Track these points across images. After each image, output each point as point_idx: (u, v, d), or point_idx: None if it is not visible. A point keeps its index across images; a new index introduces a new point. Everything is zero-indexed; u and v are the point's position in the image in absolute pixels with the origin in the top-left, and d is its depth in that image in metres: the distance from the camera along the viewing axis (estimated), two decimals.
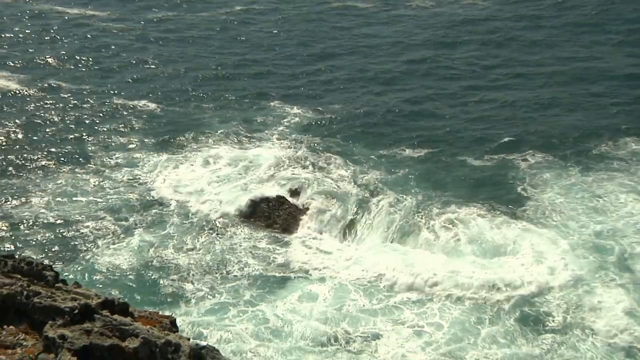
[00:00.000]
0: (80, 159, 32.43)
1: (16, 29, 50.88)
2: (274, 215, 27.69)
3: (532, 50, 45.44)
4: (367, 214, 27.58)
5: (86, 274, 24.20)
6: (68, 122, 36.39)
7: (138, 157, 32.69)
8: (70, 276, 23.18)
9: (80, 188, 29.96)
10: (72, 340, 6.88)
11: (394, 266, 24.21)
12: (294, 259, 25.29)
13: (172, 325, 8.25)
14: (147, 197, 29.30)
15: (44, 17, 53.60)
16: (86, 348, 6.85)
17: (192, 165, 31.73)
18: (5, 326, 7.10)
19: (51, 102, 38.68)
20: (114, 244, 26.20)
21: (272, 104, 38.18)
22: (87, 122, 36.47)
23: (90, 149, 33.40)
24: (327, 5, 56.41)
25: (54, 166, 31.80)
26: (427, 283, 23.24)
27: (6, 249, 25.20)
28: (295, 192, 28.92)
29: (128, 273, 24.50)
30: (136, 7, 56.66)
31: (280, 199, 28.29)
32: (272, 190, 28.96)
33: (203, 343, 7.55)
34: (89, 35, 49.67)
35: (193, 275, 24.41)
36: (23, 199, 28.95)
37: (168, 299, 23.14)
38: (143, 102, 38.57)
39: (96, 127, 35.79)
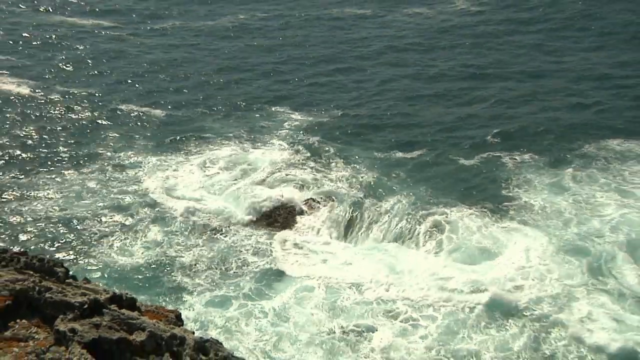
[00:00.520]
0: (86, 160, 32.40)
1: (29, 38, 50.80)
2: (274, 214, 27.71)
3: (519, 52, 45.70)
4: (363, 215, 27.53)
5: (94, 270, 24.19)
6: (75, 125, 36.36)
7: (142, 159, 32.65)
8: (79, 272, 23.15)
9: (86, 188, 29.95)
10: (82, 334, 6.88)
11: (384, 271, 23.95)
12: (293, 257, 25.28)
13: (177, 319, 8.25)
14: (151, 197, 29.26)
15: (56, 27, 53.49)
16: (95, 341, 6.85)
17: (194, 167, 31.71)
18: (18, 320, 7.10)
19: (60, 106, 38.64)
20: (119, 241, 26.18)
21: (274, 108, 38.20)
22: (93, 125, 36.44)
23: (95, 151, 33.36)
24: (327, 12, 56.58)
25: (61, 166, 31.78)
26: (418, 295, 22.73)
27: (17, 245, 25.16)
28: (295, 192, 28.93)
29: (134, 269, 24.49)
30: (144, 17, 56.64)
31: (281, 199, 28.30)
32: (273, 190, 28.98)
33: (207, 336, 7.56)
34: (98, 44, 49.60)
35: (195, 271, 24.41)
36: (32, 197, 28.96)
37: (172, 294, 23.14)
38: (148, 107, 38.52)
39: (102, 130, 35.77)
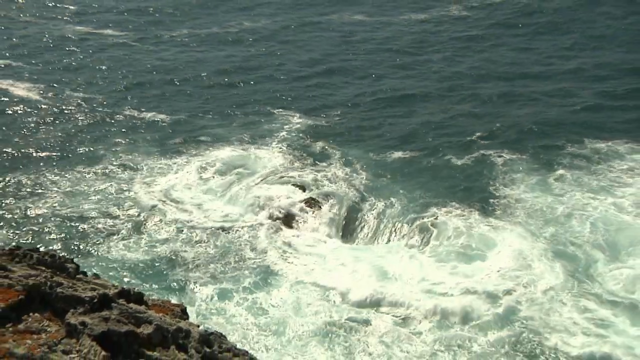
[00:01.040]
0: (91, 161, 32.41)
1: (39, 46, 50.70)
2: (274, 213, 27.71)
3: (508, 54, 46.07)
4: (360, 216, 27.51)
5: (102, 266, 24.21)
6: (81, 128, 36.36)
7: (145, 160, 32.62)
8: (88, 268, 23.16)
9: (91, 187, 29.98)
10: (92, 327, 6.91)
11: (376, 271, 23.69)
12: (292, 255, 25.30)
13: (183, 313, 8.28)
14: (153, 198, 29.25)
15: (64, 36, 53.29)
16: (104, 334, 6.88)
17: (196, 168, 31.69)
18: (31, 314, 7.13)
19: (67, 110, 38.62)
20: (125, 239, 26.20)
21: (275, 111, 38.17)
22: (99, 128, 36.42)
23: (100, 153, 33.30)
24: (327, 17, 56.63)
25: (68, 167, 31.78)
26: (406, 303, 22.18)
27: (27, 241, 25.18)
28: (295, 192, 28.95)
29: (140, 265, 24.53)
30: (152, 26, 56.49)
31: (280, 198, 28.31)
32: (273, 190, 29.00)
33: (211, 329, 7.60)
34: (105, 52, 49.44)
35: (197, 266, 24.45)
36: (40, 195, 29.03)
37: (176, 288, 23.18)
38: (152, 112, 38.37)
39: (108, 133, 35.73)
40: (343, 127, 35.63)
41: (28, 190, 29.63)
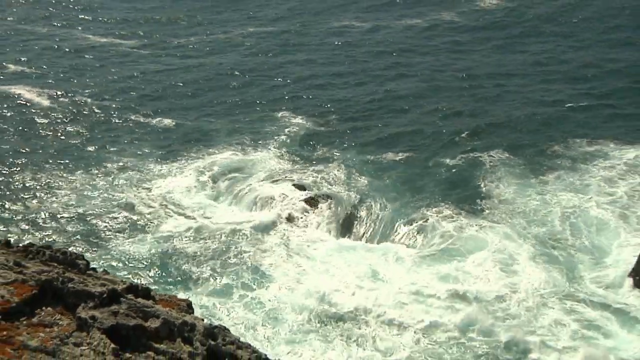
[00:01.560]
0: (99, 163, 32.40)
1: (50, 53, 50.60)
2: (274, 213, 27.70)
3: (495, 55, 46.20)
4: (356, 215, 27.46)
5: (110, 263, 24.22)
6: (89, 131, 36.37)
7: (148, 162, 32.59)
8: (96, 265, 23.16)
9: (97, 187, 29.99)
10: (102, 321, 6.94)
11: (369, 271, 23.53)
12: (290, 253, 25.29)
13: (189, 307, 8.31)
14: (155, 198, 29.23)
15: (75, 44, 53.13)
16: (114, 327, 6.92)
17: (197, 169, 31.61)
18: (43, 308, 7.16)
19: (76, 115, 38.56)
20: (131, 237, 26.23)
21: (276, 114, 38.11)
22: (106, 131, 36.42)
23: (107, 155, 33.32)
24: (328, 24, 56.66)
25: (74, 168, 31.81)
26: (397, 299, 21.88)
27: (39, 239, 25.17)
28: (294, 192, 28.95)
29: (146, 261, 24.55)
30: (160, 33, 56.35)
31: (281, 197, 28.32)
32: (274, 189, 29.01)
33: (216, 323, 7.62)
34: (114, 59, 49.33)
35: (200, 262, 24.47)
36: (50, 195, 29.08)
37: (180, 284, 23.20)
38: (158, 117, 38.21)
39: (114, 137, 35.72)
40: (341, 130, 35.59)
41: (40, 190, 29.63)
